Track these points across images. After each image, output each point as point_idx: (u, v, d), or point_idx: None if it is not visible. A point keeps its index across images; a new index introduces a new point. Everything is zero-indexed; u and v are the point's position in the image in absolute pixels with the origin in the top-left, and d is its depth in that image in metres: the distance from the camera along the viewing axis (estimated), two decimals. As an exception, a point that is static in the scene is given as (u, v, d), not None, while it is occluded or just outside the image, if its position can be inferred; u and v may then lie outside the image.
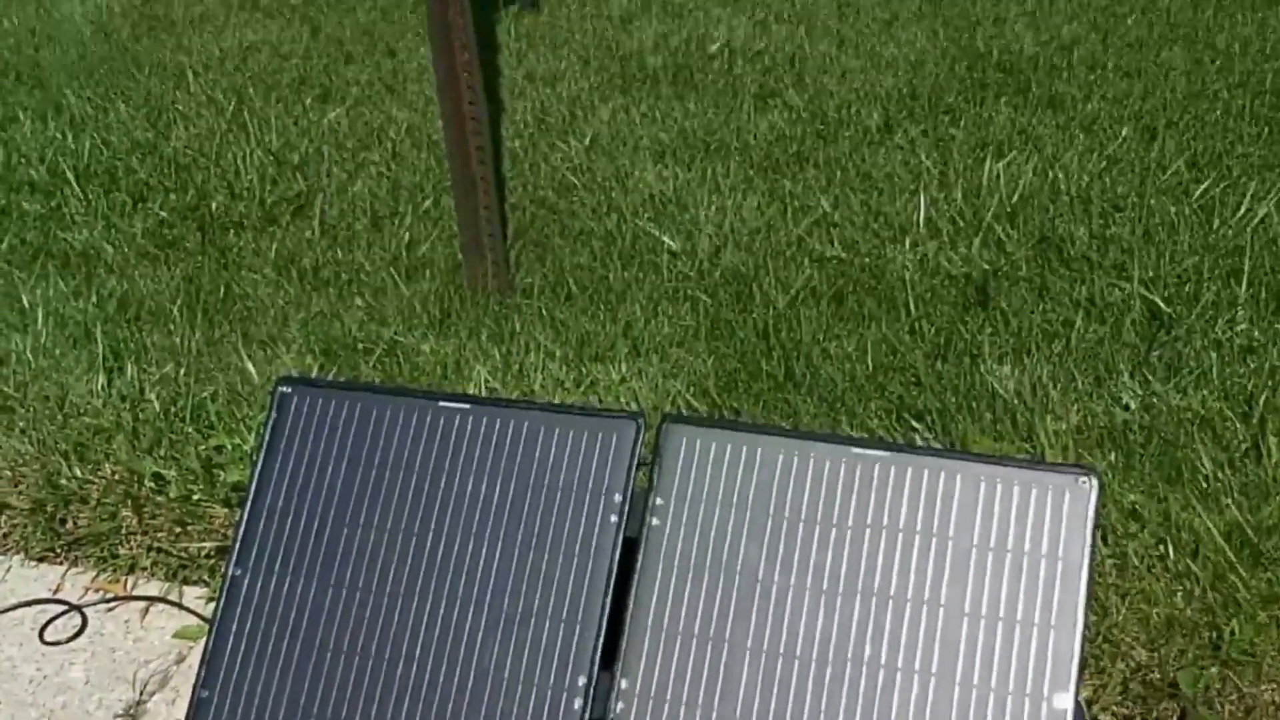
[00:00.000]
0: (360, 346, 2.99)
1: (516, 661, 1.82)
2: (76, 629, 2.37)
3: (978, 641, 1.68)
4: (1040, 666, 1.65)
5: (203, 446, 2.63)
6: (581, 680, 1.79)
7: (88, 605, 2.42)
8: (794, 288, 3.08)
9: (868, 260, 3.17)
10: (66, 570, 2.52)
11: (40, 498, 2.60)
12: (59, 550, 2.56)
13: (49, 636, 2.36)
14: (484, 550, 1.90)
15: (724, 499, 1.83)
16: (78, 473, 2.63)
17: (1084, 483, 1.74)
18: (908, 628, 1.70)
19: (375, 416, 2.02)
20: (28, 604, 2.44)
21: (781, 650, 1.73)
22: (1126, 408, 2.56)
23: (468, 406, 1.99)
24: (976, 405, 2.56)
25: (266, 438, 2.08)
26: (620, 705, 1.76)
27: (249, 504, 2.03)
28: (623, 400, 2.75)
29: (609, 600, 1.83)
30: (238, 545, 1.99)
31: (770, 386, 2.71)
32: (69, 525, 2.58)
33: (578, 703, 1.80)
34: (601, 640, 1.81)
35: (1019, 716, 1.63)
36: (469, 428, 1.97)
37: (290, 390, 2.09)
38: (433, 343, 2.97)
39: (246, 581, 1.98)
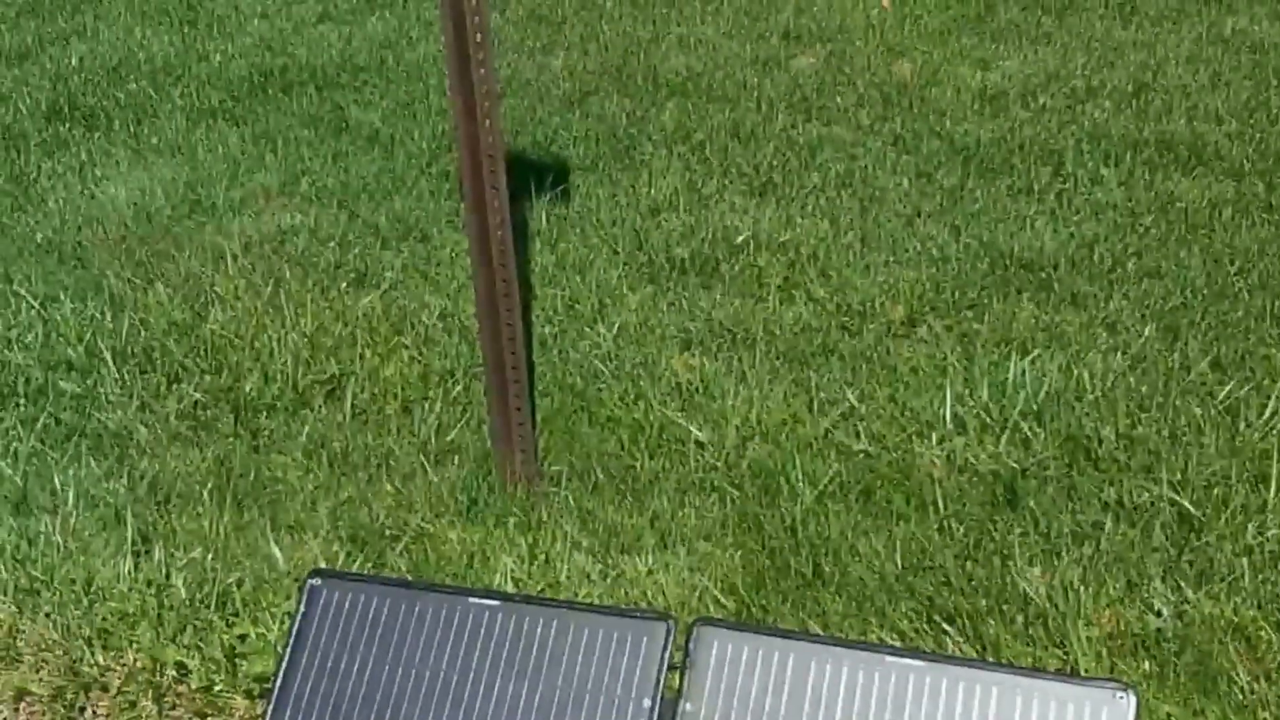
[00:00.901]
0: (388, 533, 3.00)
1: None
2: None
3: None
4: None
5: (227, 635, 2.61)
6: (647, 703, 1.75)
7: (103, 800, 2.39)
8: (821, 482, 3.08)
9: (895, 456, 3.19)
10: (83, 761, 2.49)
11: (61, 684, 2.58)
12: (77, 740, 2.53)
13: (62, 832, 2.32)
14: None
15: (755, 707, 1.80)
16: (100, 659, 2.61)
17: (1121, 698, 1.72)
18: None
19: (404, 611, 2.01)
20: (42, 796, 2.40)
21: None
22: (1159, 614, 2.54)
23: (497, 604, 1.99)
24: (1008, 609, 2.54)
25: (295, 630, 2.07)
26: None
27: (275, 695, 2.01)
28: (649, 595, 2.73)
29: (638, 811, 1.80)
30: (263, 742, 1.97)
31: (799, 584, 2.70)
32: (88, 714, 2.55)
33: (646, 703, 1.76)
34: None
35: None
36: (498, 625, 1.96)
37: (320, 583, 2.10)
38: (459, 531, 2.98)
39: (268, 783, 1.95)
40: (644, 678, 1.87)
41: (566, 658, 1.91)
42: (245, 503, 3.18)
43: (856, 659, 1.81)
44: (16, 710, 2.58)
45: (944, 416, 3.35)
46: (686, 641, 1.88)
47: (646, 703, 1.85)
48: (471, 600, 2.00)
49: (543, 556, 2.85)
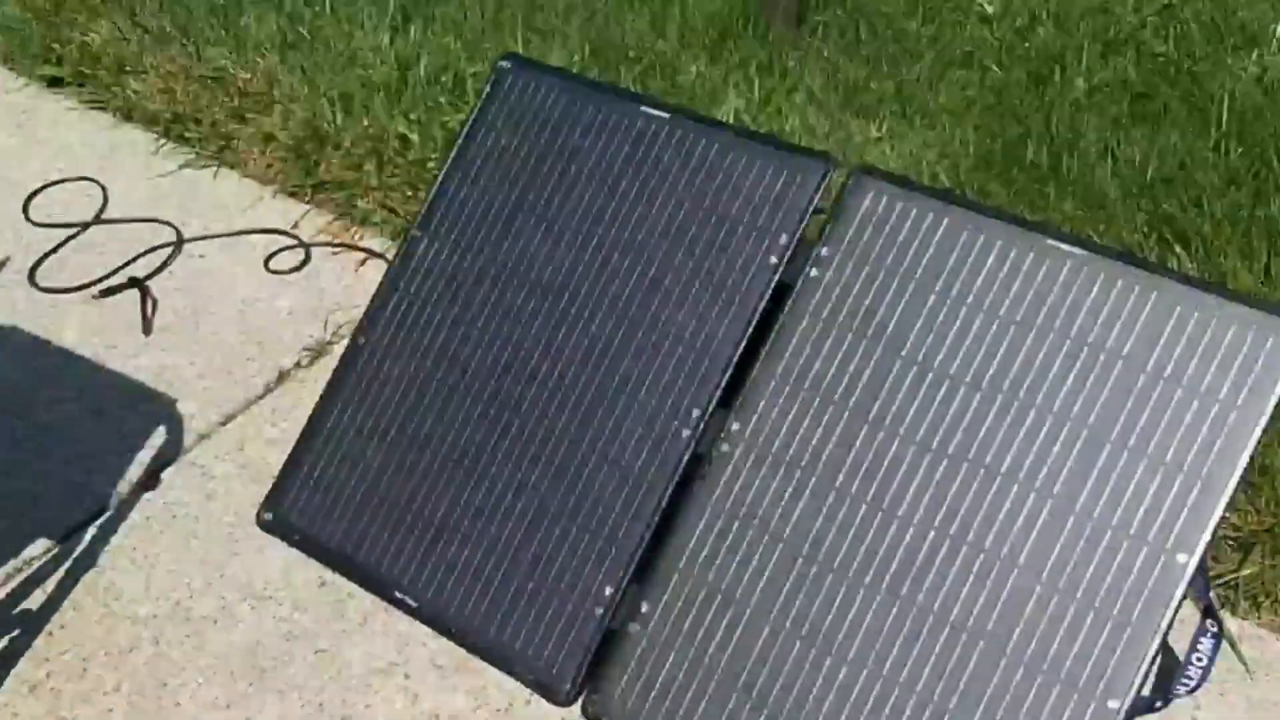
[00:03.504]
0: (630, 55, 2.93)
1: (638, 385, 1.79)
2: (298, 264, 2.52)
3: (1113, 471, 1.51)
4: (1173, 516, 1.47)
5: (450, 119, 2.67)
6: (695, 413, 1.75)
7: (315, 245, 2.56)
8: (1100, 77, 2.76)
9: (1198, 67, 2.80)
10: (307, 211, 2.65)
11: (301, 136, 2.73)
12: (306, 190, 2.69)
13: (273, 265, 2.52)
14: (639, 268, 1.84)
15: (893, 264, 1.69)
16: (338, 120, 2.73)
17: (1296, 334, 1.50)
18: (1043, 439, 1.55)
19: (578, 108, 1.97)
20: (264, 231, 2.60)
21: (903, 430, 1.62)
22: None
23: (666, 115, 1.91)
24: (1255, 244, 2.26)
25: (476, 110, 2.07)
26: (725, 446, 1.71)
27: (444, 170, 2.04)
28: (871, 161, 2.58)
29: (745, 341, 1.75)
30: (424, 209, 2.02)
31: (1034, 178, 2.48)
32: (321, 169, 2.70)
33: (686, 433, 1.76)
34: (726, 378, 1.75)
35: (1130, 564, 1.47)
36: (661, 136, 1.89)
37: (509, 66, 2.06)
38: (701, 65, 2.87)
39: (422, 246, 2.01)
40: (789, 214, 1.78)
41: (719, 181, 1.83)
42: (505, 0, 3.16)
43: (1017, 236, 1.65)
44: (263, 153, 2.76)
45: (1275, 32, 2.89)
46: (842, 187, 1.76)
47: (784, 239, 1.77)
48: (643, 108, 1.93)
49: (775, 105, 2.72)
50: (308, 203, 2.68)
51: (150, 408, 2.18)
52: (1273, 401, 1.48)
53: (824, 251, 1.73)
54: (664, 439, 1.74)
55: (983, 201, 2.30)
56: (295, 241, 2.56)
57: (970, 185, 2.43)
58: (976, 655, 1.51)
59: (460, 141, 2.04)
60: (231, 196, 2.69)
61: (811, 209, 1.77)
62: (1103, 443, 1.52)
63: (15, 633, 1.80)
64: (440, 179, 2.02)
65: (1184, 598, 1.45)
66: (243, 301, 2.41)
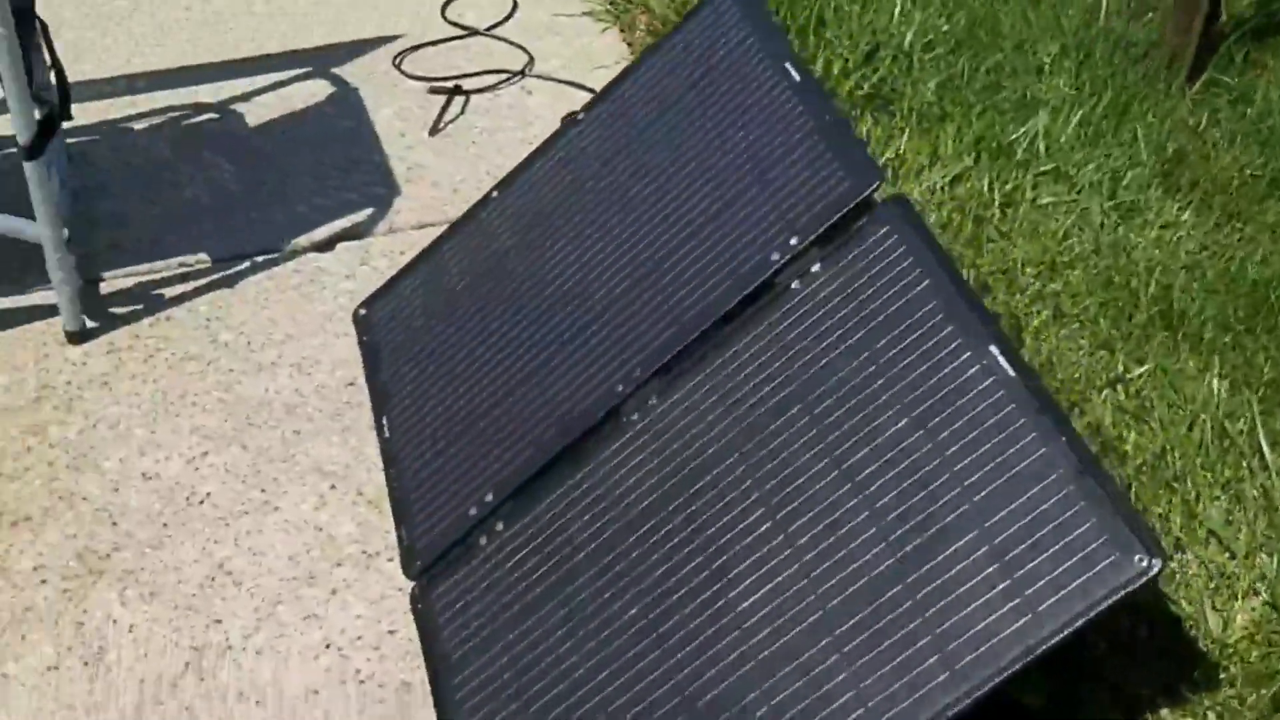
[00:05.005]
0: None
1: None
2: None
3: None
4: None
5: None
6: (636, 374, 1.65)
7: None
8: None
9: None
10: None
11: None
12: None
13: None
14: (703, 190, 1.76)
15: (858, 309, 1.47)
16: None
17: None
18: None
19: (739, 39, 1.87)
20: (592, 92, 2.69)
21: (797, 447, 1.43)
22: None
23: (797, 79, 1.76)
24: None
25: (675, 27, 2.02)
26: (635, 415, 1.61)
27: (625, 70, 2.03)
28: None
29: (709, 323, 1.62)
30: (593, 99, 2.01)
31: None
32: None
33: (620, 389, 1.67)
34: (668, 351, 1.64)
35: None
36: (785, 92, 1.75)
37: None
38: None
39: (573, 131, 2.03)
40: (812, 215, 1.59)
41: (777, 154, 1.69)
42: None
43: (975, 342, 1.37)
44: (647, 25, 2.85)
45: None
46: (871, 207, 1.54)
47: (794, 241, 1.60)
48: (786, 65, 1.79)
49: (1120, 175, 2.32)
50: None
51: (375, 190, 2.40)
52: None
53: (815, 268, 1.55)
54: (599, 389, 1.68)
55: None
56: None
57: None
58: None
59: (647, 51, 2.02)
60: (601, 51, 2.82)
61: (835, 220, 1.58)
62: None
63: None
64: (619, 77, 2.02)
65: None
66: (524, 142, 2.54)
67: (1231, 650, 1.53)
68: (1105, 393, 1.78)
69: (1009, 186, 2.14)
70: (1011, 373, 1.32)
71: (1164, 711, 1.47)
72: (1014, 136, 2.22)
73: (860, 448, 1.38)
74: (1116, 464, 1.71)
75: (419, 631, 1.66)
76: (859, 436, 1.39)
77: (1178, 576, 1.62)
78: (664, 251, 1.74)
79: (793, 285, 1.56)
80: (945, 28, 2.48)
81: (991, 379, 1.33)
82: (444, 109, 2.62)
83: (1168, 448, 1.72)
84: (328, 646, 1.66)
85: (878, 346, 1.43)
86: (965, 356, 1.35)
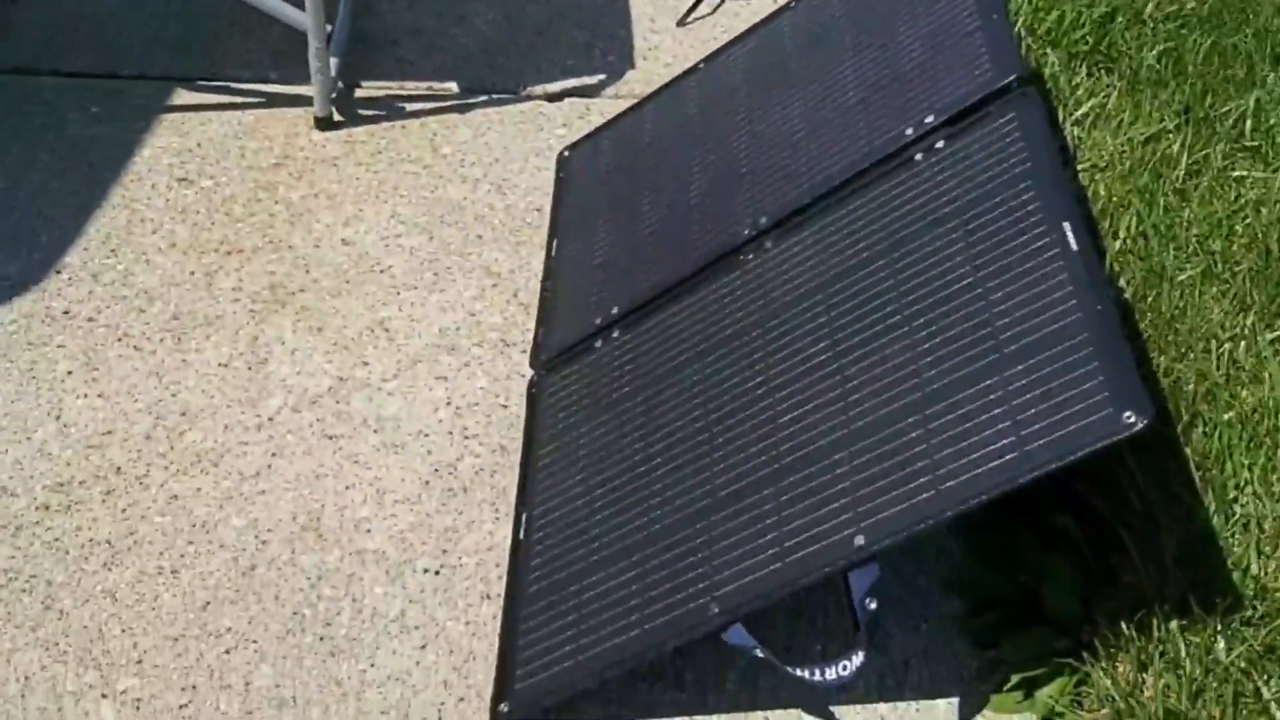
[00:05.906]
0: None
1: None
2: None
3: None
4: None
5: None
6: (764, 220, 1.80)
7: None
8: None
9: None
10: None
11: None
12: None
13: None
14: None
15: (962, 182, 1.57)
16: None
17: None
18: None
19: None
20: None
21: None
22: None
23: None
24: None
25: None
26: (751, 255, 1.76)
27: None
28: None
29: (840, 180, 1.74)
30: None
31: None
32: None
33: (746, 232, 1.81)
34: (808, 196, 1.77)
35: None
36: None
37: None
38: None
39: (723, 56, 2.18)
40: (953, 93, 1.69)
41: (935, 36, 1.78)
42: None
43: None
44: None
45: None
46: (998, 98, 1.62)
47: (931, 119, 1.69)
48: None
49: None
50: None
51: (611, 61, 2.60)
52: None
53: (940, 144, 1.65)
54: (728, 232, 1.83)
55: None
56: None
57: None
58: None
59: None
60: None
61: (970, 104, 1.67)
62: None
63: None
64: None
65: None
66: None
67: (1265, 589, 1.55)
68: (1226, 345, 1.80)
69: (1203, 154, 2.15)
70: (1075, 247, 1.40)
71: (1173, 623, 1.51)
72: (1223, 110, 2.22)
73: (921, 300, 1.48)
74: (1212, 413, 1.74)
75: (526, 410, 1.86)
76: (924, 291, 1.49)
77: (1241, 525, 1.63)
78: (822, 123, 1.87)
79: (916, 157, 1.66)
80: (1191, 4, 2.47)
81: (1056, 250, 1.41)
82: (696, 3, 2.80)
83: (1268, 405, 1.73)
84: (448, 403, 1.89)
85: (966, 216, 1.53)
86: (1039, 230, 1.44)
